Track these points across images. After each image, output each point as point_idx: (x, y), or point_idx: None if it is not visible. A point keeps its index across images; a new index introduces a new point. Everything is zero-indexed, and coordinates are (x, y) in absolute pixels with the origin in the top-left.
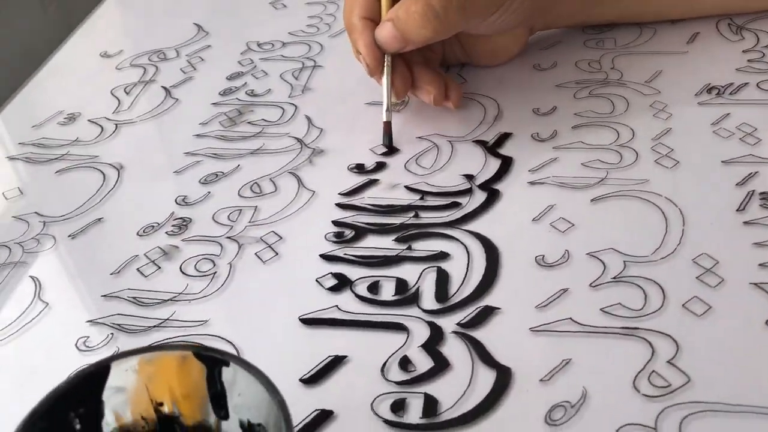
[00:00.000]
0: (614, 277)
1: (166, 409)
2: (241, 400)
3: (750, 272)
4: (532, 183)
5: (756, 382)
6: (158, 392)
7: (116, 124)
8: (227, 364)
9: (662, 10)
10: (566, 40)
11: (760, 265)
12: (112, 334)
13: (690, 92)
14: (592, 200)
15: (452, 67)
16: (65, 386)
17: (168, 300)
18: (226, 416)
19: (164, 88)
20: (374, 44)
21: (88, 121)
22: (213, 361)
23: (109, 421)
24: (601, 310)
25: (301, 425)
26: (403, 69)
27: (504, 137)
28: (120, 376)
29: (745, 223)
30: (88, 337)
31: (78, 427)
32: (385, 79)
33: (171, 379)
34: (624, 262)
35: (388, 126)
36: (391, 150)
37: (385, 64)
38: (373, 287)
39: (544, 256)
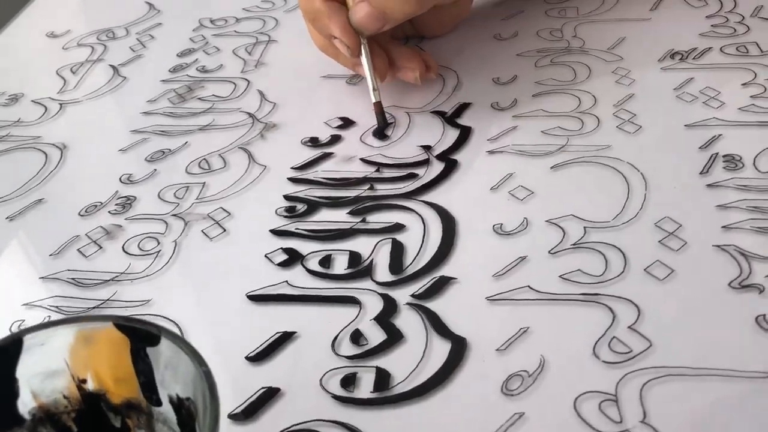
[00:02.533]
0: (574, 244)
1: (89, 386)
2: (168, 373)
3: (713, 235)
4: (491, 152)
5: (718, 345)
6: (81, 368)
7: (61, 104)
8: (151, 335)
9: None
10: (528, 9)
11: (723, 227)
12: (49, 316)
13: (653, 58)
14: (551, 167)
15: (411, 39)
16: None
17: (109, 280)
18: (153, 392)
19: (112, 66)
20: (349, 25)
21: (32, 101)
22: (136, 332)
23: (26, 401)
24: (560, 277)
25: (246, 404)
26: (380, 50)
27: (463, 107)
28: (35, 351)
29: (709, 185)
30: (23, 320)
31: None
32: (365, 60)
33: (94, 353)
34: (584, 228)
35: (379, 106)
36: (384, 130)
37: (363, 45)
38: (325, 261)
39: (502, 224)
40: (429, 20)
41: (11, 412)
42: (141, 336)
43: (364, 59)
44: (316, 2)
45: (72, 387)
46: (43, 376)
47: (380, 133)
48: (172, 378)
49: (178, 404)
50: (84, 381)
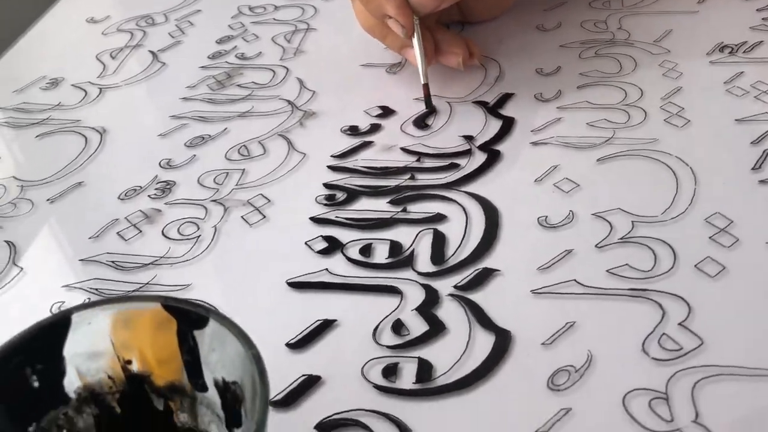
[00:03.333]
0: (621, 238)
1: (134, 367)
2: (215, 356)
3: (766, 232)
4: (534, 144)
5: None
6: (126, 349)
7: (100, 89)
8: (199, 317)
9: None
10: (571, 1)
11: None
12: (89, 298)
13: (701, 51)
14: (598, 160)
15: (452, 26)
16: (19, 339)
17: (149, 264)
18: (199, 375)
19: (151, 52)
20: (405, 5)
21: (72, 85)
22: (184, 314)
23: (72, 380)
24: (607, 271)
25: (287, 391)
26: (428, 34)
27: (505, 98)
28: (82, 330)
29: (761, 181)
30: (63, 302)
31: (36, 384)
32: (416, 42)
33: (139, 334)
34: (632, 222)
35: (427, 88)
36: (431, 114)
37: (415, 24)
38: (366, 250)
39: (547, 217)
40: (476, 5)
41: (58, 390)
42: (189, 318)
43: (415, 41)
44: None
45: (117, 367)
46: (88, 356)
47: (423, 120)
48: (219, 361)
49: (224, 388)
50: (129, 362)
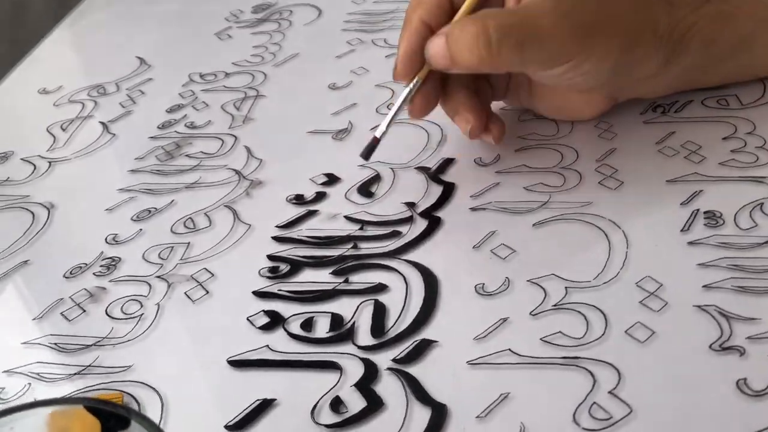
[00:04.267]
0: (555, 305)
1: None
2: None
3: (694, 294)
4: (473, 209)
5: (699, 411)
6: None
7: (50, 162)
8: (121, 418)
9: (764, 69)
10: None
11: (704, 286)
12: (29, 384)
13: (636, 111)
14: (534, 225)
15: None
16: None
17: (91, 345)
18: None
19: (102, 123)
20: (415, 51)
21: (21, 159)
22: (107, 414)
23: None
24: (541, 339)
25: None
26: (434, 89)
27: (447, 163)
28: None
29: (690, 243)
30: (3, 388)
31: None
32: (404, 92)
33: None
34: (565, 288)
35: (376, 141)
36: (367, 157)
37: (417, 78)
38: (307, 324)
39: (484, 284)
40: (548, 102)
41: None
42: (112, 418)
43: (403, 93)
44: (415, 14)
45: None
46: None
47: (367, 188)
48: None
49: None
50: None
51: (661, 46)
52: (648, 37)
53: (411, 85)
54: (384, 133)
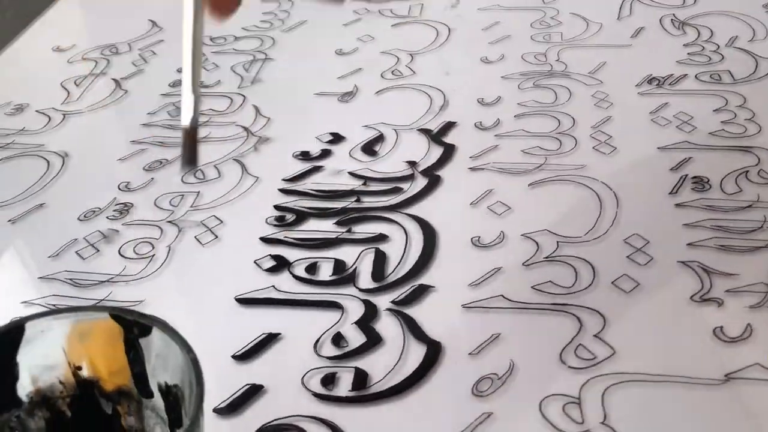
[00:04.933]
0: (547, 257)
1: (84, 372)
2: (158, 361)
3: (678, 251)
4: (472, 169)
5: (678, 354)
6: (76, 356)
7: (64, 114)
8: (143, 326)
9: None
10: (514, 34)
11: (688, 244)
12: None
13: (631, 83)
14: (529, 185)
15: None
16: None
17: (105, 281)
18: (145, 381)
19: (114, 80)
20: None
21: (36, 111)
22: (129, 323)
23: (24, 385)
24: (532, 287)
25: (231, 399)
26: None
27: (448, 126)
28: (35, 338)
29: (677, 205)
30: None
31: None
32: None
33: (90, 342)
34: (557, 242)
35: (188, 136)
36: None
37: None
38: (312, 268)
39: (480, 237)
40: None
41: (11, 395)
42: (134, 326)
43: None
44: None
45: (68, 373)
46: (41, 362)
47: (371, 146)
48: (162, 366)
49: (167, 391)
50: (79, 368)
51: None
52: None
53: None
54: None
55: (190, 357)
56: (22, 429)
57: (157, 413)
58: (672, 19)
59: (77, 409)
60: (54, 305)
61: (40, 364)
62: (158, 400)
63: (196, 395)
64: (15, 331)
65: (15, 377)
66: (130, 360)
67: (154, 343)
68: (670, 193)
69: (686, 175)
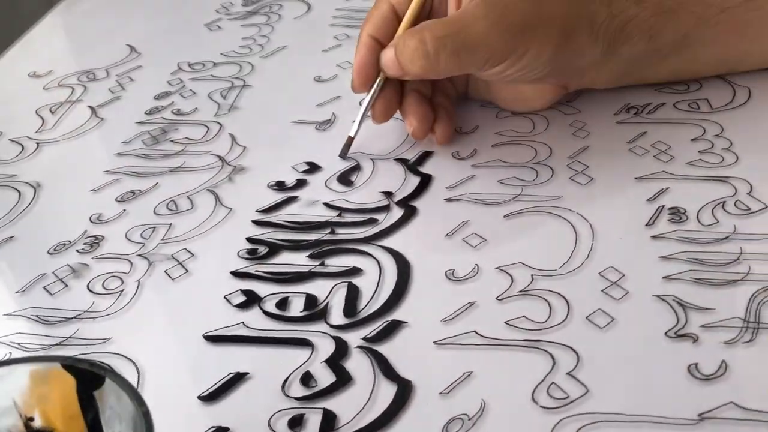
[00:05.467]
0: (521, 291)
1: (37, 423)
2: (111, 413)
3: (654, 285)
4: (448, 200)
5: (652, 393)
6: (28, 407)
7: (38, 143)
8: (96, 376)
9: (708, 67)
10: None
11: (664, 277)
12: (10, 353)
13: (609, 112)
14: (505, 216)
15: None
16: None
17: (72, 318)
18: (100, 430)
19: (90, 107)
20: (366, 64)
21: (9, 140)
22: (82, 372)
23: None
24: (505, 323)
25: None
26: (392, 95)
27: (425, 155)
28: None
29: (653, 237)
30: None
31: None
32: (366, 99)
33: (43, 393)
34: (531, 275)
35: (350, 140)
36: (344, 156)
37: (375, 83)
38: (282, 303)
39: (454, 270)
40: (504, 95)
41: None
42: (87, 376)
43: (367, 97)
44: (364, 30)
45: (19, 425)
46: None
47: (347, 177)
48: (117, 418)
49: None
50: (31, 419)
51: (600, 37)
52: (584, 30)
53: (370, 93)
54: (356, 132)
55: (141, 411)
56: None
57: None
58: None
59: None
60: (18, 344)
61: None
62: None
63: None
64: None
65: None
66: (84, 411)
67: (108, 393)
68: (646, 225)
69: (663, 206)
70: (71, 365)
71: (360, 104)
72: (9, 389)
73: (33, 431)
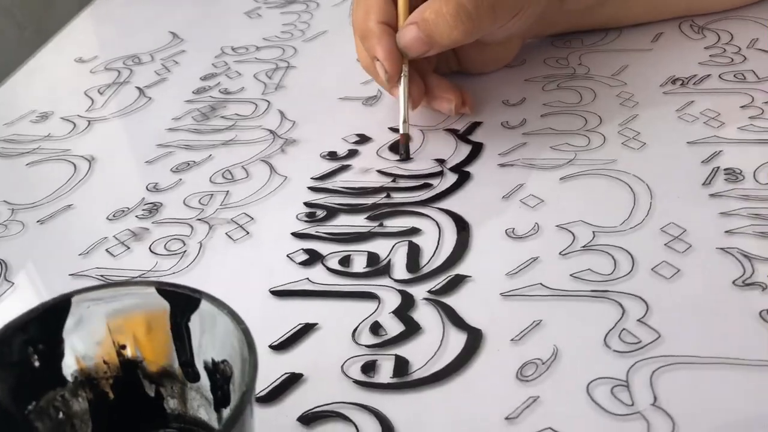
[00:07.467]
0: (584, 246)
1: (128, 352)
2: (205, 338)
3: (717, 238)
4: (502, 165)
5: (723, 337)
6: (121, 334)
7: (89, 121)
8: (191, 299)
9: (638, 14)
10: (534, 41)
11: (726, 232)
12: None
13: (655, 83)
14: (561, 179)
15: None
16: (22, 319)
17: (136, 277)
18: (191, 362)
19: (138, 88)
20: (395, 50)
21: (61, 118)
22: (176, 297)
23: (69, 363)
24: (571, 275)
25: (270, 388)
26: (419, 79)
27: (474, 125)
28: (81, 313)
29: (711, 195)
30: None
31: (37, 364)
32: (402, 89)
33: (134, 319)
34: (593, 232)
35: (405, 138)
36: (406, 161)
37: (403, 73)
38: (345, 261)
39: (514, 228)
40: (473, 57)
41: (56, 372)
42: (181, 300)
43: (401, 88)
44: (370, 21)
45: (112, 353)
46: (86, 339)
47: (398, 151)
48: (210, 342)
49: (213, 369)
50: (123, 347)
51: None
52: None
53: (402, 83)
54: (407, 129)
55: (241, 328)
56: (66, 409)
57: (202, 394)
58: (691, 24)
59: (120, 391)
60: None
61: (85, 341)
62: (204, 380)
63: (250, 364)
64: (61, 306)
65: (60, 354)
66: (174, 339)
67: (201, 318)
68: (703, 184)
69: (718, 167)
70: (165, 289)
71: (397, 99)
72: (103, 315)
73: (124, 359)
